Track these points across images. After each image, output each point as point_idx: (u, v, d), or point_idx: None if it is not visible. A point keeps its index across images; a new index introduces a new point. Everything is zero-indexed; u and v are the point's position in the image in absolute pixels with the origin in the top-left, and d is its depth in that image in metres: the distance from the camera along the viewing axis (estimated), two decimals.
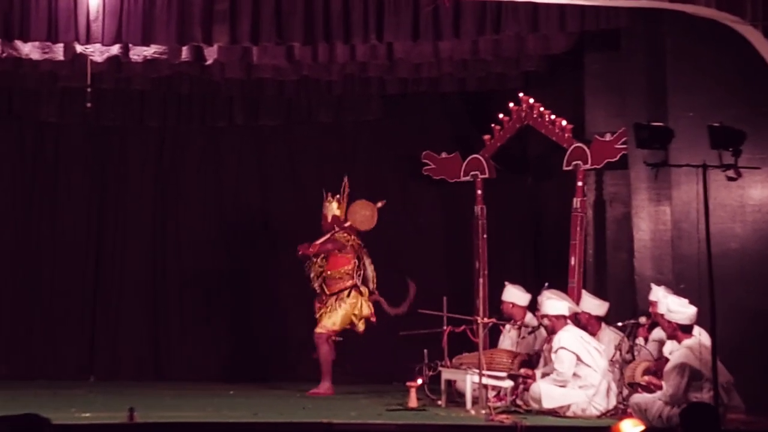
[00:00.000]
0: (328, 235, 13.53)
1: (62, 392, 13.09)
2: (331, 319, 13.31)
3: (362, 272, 13.49)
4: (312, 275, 13.54)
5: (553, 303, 11.53)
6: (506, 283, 12.57)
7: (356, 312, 13.36)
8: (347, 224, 13.59)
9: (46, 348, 15.17)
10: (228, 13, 11.70)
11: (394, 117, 15.31)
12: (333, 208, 13.64)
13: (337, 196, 13.67)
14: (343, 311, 13.33)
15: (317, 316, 13.41)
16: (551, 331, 11.52)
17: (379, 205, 13.67)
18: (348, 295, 13.38)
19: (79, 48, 12.14)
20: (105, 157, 15.66)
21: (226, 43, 12.01)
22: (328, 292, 13.42)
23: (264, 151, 15.78)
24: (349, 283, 13.44)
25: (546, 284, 12.04)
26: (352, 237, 13.52)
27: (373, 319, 13.40)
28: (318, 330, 13.30)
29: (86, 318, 15.36)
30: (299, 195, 15.11)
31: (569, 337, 11.29)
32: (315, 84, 14.43)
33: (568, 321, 11.49)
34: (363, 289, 13.42)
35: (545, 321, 11.63)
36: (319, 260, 13.55)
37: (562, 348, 11.23)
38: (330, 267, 13.50)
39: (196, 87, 14.55)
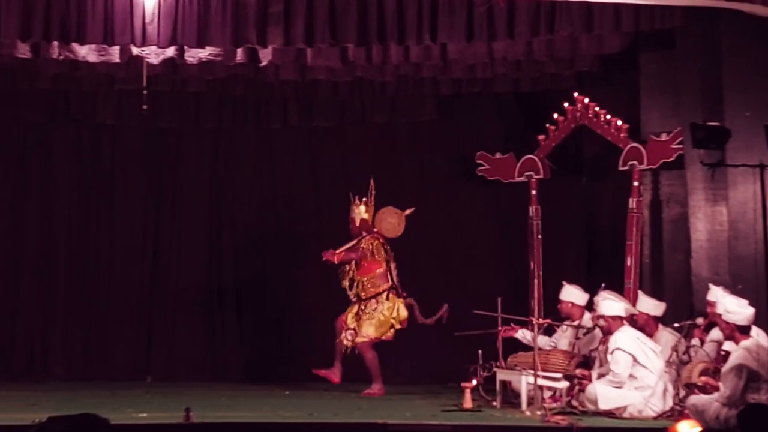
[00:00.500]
0: (352, 243, 13.49)
1: (119, 392, 13.15)
2: (372, 326, 13.30)
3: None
4: (345, 283, 13.55)
5: (610, 304, 11.49)
6: (564, 282, 12.53)
7: (395, 316, 13.36)
8: (375, 229, 13.59)
9: (104, 349, 15.26)
10: (282, 15, 11.74)
11: (448, 118, 15.30)
12: (361, 212, 13.62)
13: (365, 199, 13.67)
14: (381, 316, 13.32)
15: (356, 323, 13.37)
16: (607, 332, 11.47)
17: (407, 212, 13.63)
18: (387, 298, 13.38)
19: (135, 50, 12.20)
20: (161, 159, 15.77)
21: (281, 44, 12.06)
22: (364, 297, 13.42)
23: (318, 151, 15.82)
24: (385, 286, 13.41)
25: (603, 285, 11.99)
26: (378, 242, 13.48)
27: (404, 325, 13.39)
28: (360, 340, 13.27)
29: (143, 319, 15.46)
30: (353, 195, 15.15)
31: (625, 338, 11.23)
32: (369, 85, 14.46)
33: (625, 322, 11.44)
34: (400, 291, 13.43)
35: (601, 322, 11.58)
36: (350, 267, 13.56)
37: (618, 349, 11.18)
38: (361, 273, 13.47)
39: (250, 89, 14.62)
